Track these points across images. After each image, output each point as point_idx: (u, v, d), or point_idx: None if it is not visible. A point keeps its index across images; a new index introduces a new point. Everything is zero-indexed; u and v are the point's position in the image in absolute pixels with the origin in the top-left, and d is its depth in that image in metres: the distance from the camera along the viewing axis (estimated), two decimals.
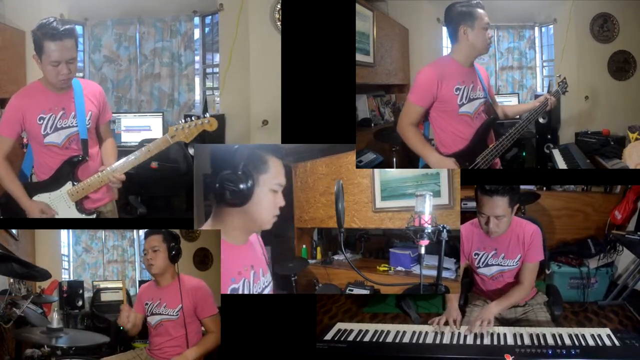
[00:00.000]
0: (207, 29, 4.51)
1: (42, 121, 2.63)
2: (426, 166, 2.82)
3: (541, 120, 3.94)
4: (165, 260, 2.78)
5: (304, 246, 3.97)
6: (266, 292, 2.04)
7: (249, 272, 1.94)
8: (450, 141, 2.80)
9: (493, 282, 2.89)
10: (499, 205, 2.66)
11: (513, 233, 2.80)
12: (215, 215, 1.92)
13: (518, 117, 3.02)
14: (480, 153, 2.79)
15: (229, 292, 1.86)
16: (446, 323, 2.74)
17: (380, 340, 2.67)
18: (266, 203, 1.87)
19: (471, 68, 2.80)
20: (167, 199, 3.82)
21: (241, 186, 1.80)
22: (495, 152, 2.81)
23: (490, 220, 2.70)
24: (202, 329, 2.86)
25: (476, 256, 2.87)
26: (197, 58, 4.54)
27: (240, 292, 1.89)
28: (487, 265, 2.87)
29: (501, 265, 2.84)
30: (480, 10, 2.68)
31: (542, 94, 3.51)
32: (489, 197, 2.67)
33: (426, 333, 2.70)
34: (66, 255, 4.23)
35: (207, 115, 2.67)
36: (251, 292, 1.94)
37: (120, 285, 4.10)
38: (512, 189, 2.67)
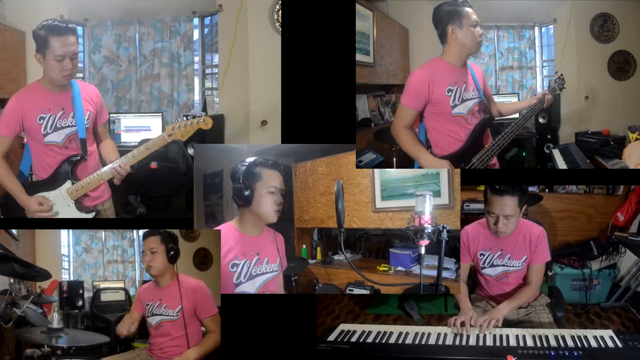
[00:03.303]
0: (206, 30, 4.51)
1: (42, 121, 2.66)
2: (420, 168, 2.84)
3: (541, 120, 3.94)
4: (164, 261, 2.78)
5: (304, 246, 3.97)
6: (266, 277, 2.47)
7: (253, 257, 2.42)
8: (445, 142, 2.80)
9: (497, 283, 2.90)
10: (508, 204, 2.68)
11: (520, 234, 2.81)
12: (238, 214, 2.45)
13: (518, 114, 3.01)
14: (476, 154, 2.79)
15: (229, 267, 2.34)
16: (463, 324, 2.71)
17: (383, 341, 2.67)
18: (265, 202, 2.38)
19: (463, 68, 2.77)
20: (167, 198, 3.82)
21: (245, 193, 2.35)
22: (491, 152, 2.80)
23: (499, 220, 2.71)
24: (202, 329, 2.85)
25: (482, 256, 2.88)
26: (196, 58, 4.53)
27: (239, 268, 2.37)
28: (492, 265, 2.87)
29: (506, 266, 2.85)
30: (467, 9, 2.66)
31: None
32: (499, 196, 2.68)
33: (429, 334, 2.70)
34: (66, 255, 4.23)
35: (204, 114, 2.70)
36: (250, 272, 2.40)
37: (120, 285, 4.10)
38: (521, 189, 2.69)
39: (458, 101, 2.74)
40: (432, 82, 2.70)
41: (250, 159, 2.42)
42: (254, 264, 2.41)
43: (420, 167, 2.83)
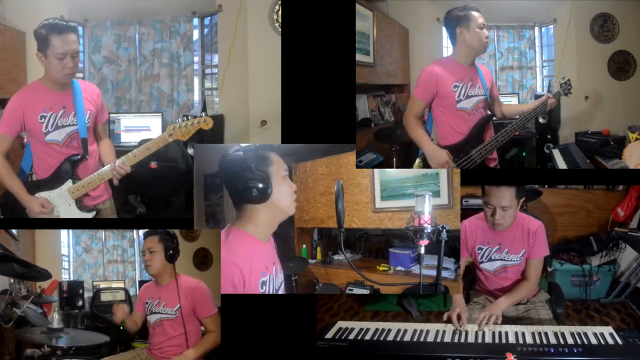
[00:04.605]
0: (206, 30, 4.52)
1: (43, 120, 2.66)
2: (424, 156, 2.97)
3: (541, 120, 3.94)
4: (162, 260, 2.80)
5: (304, 246, 3.97)
6: (282, 289, 2.12)
7: (272, 268, 2.02)
8: (449, 134, 2.95)
9: (495, 278, 2.91)
10: (505, 196, 2.72)
11: (518, 228, 2.84)
12: (240, 215, 1.99)
13: (518, 117, 3.04)
14: (476, 147, 2.92)
15: (259, 286, 1.92)
16: (459, 316, 2.72)
17: (381, 338, 2.67)
18: (284, 190, 1.98)
19: (472, 67, 2.94)
20: (167, 198, 3.82)
21: (260, 185, 1.91)
22: (489, 147, 2.94)
23: (496, 212, 2.74)
24: (202, 328, 2.85)
25: (479, 251, 2.90)
26: (196, 59, 4.54)
27: (267, 285, 1.96)
28: (490, 259, 2.89)
29: (504, 260, 2.86)
30: (474, 13, 2.86)
31: (542, 94, 3.51)
32: (496, 187, 2.73)
33: (427, 331, 2.70)
34: (66, 255, 4.23)
35: (204, 114, 2.70)
36: (274, 287, 2.02)
37: (120, 285, 4.10)
38: None
39: (463, 97, 2.91)
40: (440, 77, 2.89)
41: (242, 144, 2.08)
42: (274, 275, 2.04)
43: (422, 154, 3.00)
